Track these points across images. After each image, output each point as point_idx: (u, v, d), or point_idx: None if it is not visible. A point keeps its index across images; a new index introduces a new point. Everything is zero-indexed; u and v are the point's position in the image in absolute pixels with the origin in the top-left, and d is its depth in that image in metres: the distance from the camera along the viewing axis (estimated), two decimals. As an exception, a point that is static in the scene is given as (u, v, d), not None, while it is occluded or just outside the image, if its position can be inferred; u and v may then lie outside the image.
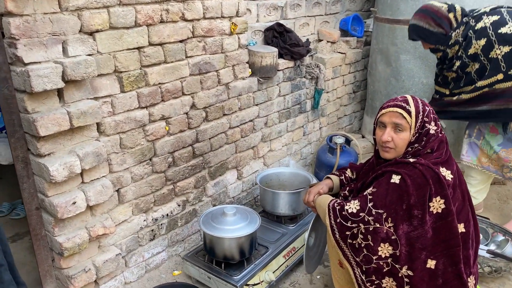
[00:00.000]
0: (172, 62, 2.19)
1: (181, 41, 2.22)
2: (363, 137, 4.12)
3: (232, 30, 2.49)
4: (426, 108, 1.68)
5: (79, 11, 1.74)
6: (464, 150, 2.81)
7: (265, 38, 3.04)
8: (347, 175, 2.08)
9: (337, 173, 2.11)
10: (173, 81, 2.22)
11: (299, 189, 2.56)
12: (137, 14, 1.97)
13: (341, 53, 3.69)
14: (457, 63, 2.51)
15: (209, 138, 2.53)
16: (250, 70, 2.72)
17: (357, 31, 3.92)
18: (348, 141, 3.47)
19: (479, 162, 2.75)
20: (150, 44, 2.07)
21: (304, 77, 3.27)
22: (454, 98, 2.59)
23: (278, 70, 2.94)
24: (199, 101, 2.40)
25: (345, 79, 3.86)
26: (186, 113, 2.34)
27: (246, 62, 2.68)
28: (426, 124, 1.65)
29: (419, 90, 3.37)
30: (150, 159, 2.21)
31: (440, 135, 1.68)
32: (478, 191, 2.91)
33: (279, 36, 3.02)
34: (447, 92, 2.63)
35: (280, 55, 3.00)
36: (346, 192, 1.93)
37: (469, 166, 2.81)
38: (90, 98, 1.85)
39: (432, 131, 1.65)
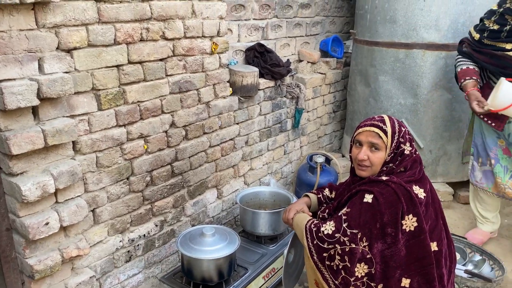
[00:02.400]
0: (151, 80, 2.18)
1: (161, 60, 2.21)
2: (343, 156, 4.16)
3: (213, 49, 2.50)
4: (402, 128, 1.71)
5: (56, 28, 1.72)
6: (477, 177, 2.81)
7: (246, 58, 3.07)
8: (325, 194, 2.08)
9: (315, 191, 2.12)
10: (153, 99, 2.20)
11: (279, 208, 2.54)
12: (116, 32, 1.96)
13: (321, 73, 3.75)
14: None
15: (189, 157, 2.51)
16: (231, 89, 2.73)
17: (337, 52, 4.00)
18: (328, 160, 3.49)
19: (495, 189, 2.75)
20: (130, 62, 2.05)
21: (284, 96, 3.30)
22: None
23: (259, 90, 2.96)
24: (179, 120, 2.38)
25: (325, 99, 3.91)
26: (166, 132, 2.32)
27: (227, 81, 2.69)
28: (402, 145, 1.68)
29: (397, 111, 3.43)
30: (127, 178, 2.17)
31: (414, 155, 1.70)
32: (496, 215, 2.94)
33: (260, 56, 3.05)
34: (509, 47, 2.50)
35: (261, 75, 3.02)
36: (325, 214, 1.93)
37: (482, 191, 2.82)
38: (66, 116, 1.81)
39: (407, 152, 1.68)
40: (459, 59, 2.75)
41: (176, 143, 2.39)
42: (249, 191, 2.81)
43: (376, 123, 1.70)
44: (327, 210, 1.94)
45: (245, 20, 3.04)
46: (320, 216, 1.96)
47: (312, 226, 1.73)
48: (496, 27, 2.52)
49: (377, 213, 1.58)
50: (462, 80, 2.65)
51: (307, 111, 3.65)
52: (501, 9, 2.50)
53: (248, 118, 2.95)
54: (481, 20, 2.66)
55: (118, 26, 1.96)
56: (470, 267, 2.53)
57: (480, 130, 2.76)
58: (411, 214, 1.58)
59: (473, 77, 2.61)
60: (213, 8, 2.45)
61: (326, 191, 2.12)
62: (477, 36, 2.63)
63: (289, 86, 3.32)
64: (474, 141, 2.82)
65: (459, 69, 2.71)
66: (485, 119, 2.63)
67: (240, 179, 3.01)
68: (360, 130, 1.73)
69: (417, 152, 1.73)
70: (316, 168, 3.28)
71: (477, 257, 2.60)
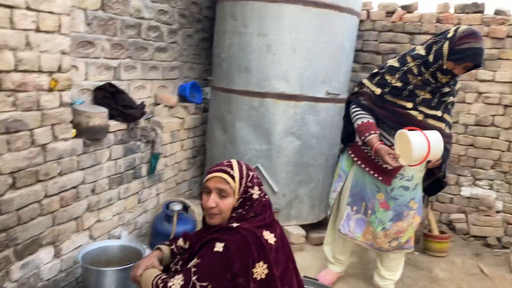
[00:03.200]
0: (-34, 117, 1.80)
1: (-19, 94, 1.86)
2: (202, 202, 4.07)
3: (53, 86, 2.22)
4: (250, 173, 1.70)
5: None
6: (351, 227, 2.79)
7: (95, 98, 2.83)
8: (178, 245, 1.94)
9: (168, 243, 1.96)
10: (-33, 140, 1.82)
11: (128, 264, 2.28)
12: None
13: (180, 118, 3.68)
14: (446, 90, 2.54)
15: (17, 209, 2.11)
16: (74, 130, 2.44)
17: (196, 98, 4.00)
18: (186, 207, 3.36)
19: (364, 239, 2.78)
20: None
21: (139, 140, 3.10)
22: (419, 117, 2.54)
23: (108, 132, 2.72)
24: (4, 165, 2.00)
25: (184, 144, 3.83)
26: (-16, 180, 1.92)
27: (70, 122, 2.40)
28: (250, 189, 1.66)
29: (253, 156, 3.51)
30: None
31: (263, 199, 1.70)
32: (348, 257, 3.08)
33: (111, 97, 2.84)
34: (410, 106, 2.55)
35: (112, 116, 2.80)
36: (178, 266, 1.78)
37: (347, 239, 2.85)
38: None
39: (255, 196, 1.67)
40: (358, 112, 2.66)
41: (-1, 193, 2.00)
42: (94, 247, 2.49)
43: (224, 168, 1.67)
44: (180, 262, 1.81)
45: (95, 58, 2.82)
46: (173, 269, 1.81)
47: (159, 282, 1.57)
48: (399, 84, 2.54)
49: (228, 262, 1.50)
50: (367, 134, 2.56)
51: (165, 156, 3.50)
52: (405, 67, 2.52)
53: (96, 163, 2.66)
54: (378, 74, 2.67)
55: None
56: (322, 307, 2.61)
57: (361, 180, 2.77)
58: (262, 262, 1.54)
59: (377, 132, 2.57)
60: (53, 42, 2.20)
61: (180, 241, 1.98)
62: (378, 90, 2.60)
63: (144, 130, 3.15)
64: (352, 191, 2.81)
65: (360, 122, 2.63)
66: (372, 172, 2.67)
67: (85, 233, 2.66)
68: (208, 176, 1.68)
69: (266, 196, 1.73)
70: (172, 217, 3.10)
71: (329, 297, 2.70)
